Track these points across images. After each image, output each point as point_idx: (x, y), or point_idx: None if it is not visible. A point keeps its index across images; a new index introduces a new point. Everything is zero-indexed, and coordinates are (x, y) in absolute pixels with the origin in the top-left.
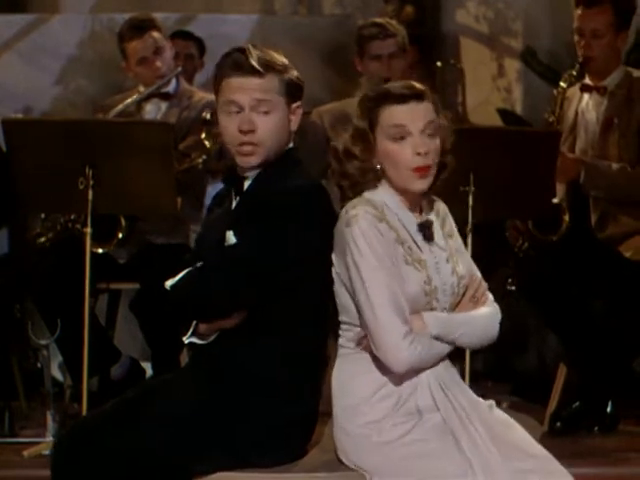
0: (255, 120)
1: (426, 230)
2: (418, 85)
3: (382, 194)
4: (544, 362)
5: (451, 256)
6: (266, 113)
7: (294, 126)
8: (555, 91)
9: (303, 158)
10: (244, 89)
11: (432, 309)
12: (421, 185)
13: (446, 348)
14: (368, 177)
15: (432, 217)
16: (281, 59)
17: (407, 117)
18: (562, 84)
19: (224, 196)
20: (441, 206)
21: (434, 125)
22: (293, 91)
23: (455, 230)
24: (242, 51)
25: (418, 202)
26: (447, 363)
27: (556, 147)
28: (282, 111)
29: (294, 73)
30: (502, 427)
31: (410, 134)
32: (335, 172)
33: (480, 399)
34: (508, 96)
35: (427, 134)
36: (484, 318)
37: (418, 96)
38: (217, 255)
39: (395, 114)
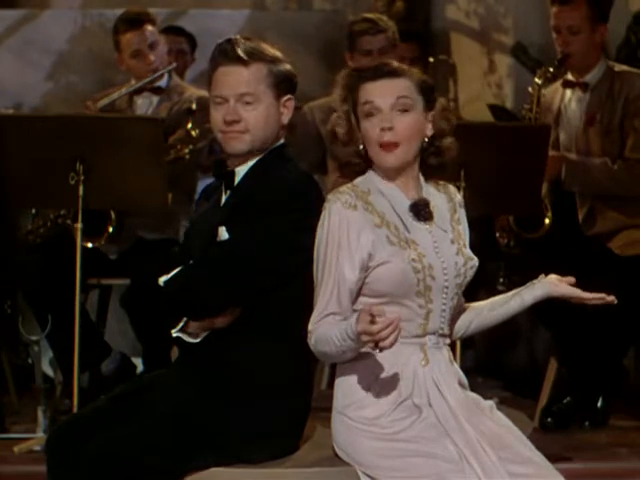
0: (240, 110)
1: (420, 209)
2: (395, 63)
3: (373, 176)
4: (535, 358)
5: (457, 239)
6: (249, 104)
7: (285, 119)
8: (530, 88)
9: (293, 152)
10: (229, 78)
11: (427, 286)
12: (389, 160)
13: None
14: (355, 159)
15: (437, 200)
16: (272, 51)
17: (376, 93)
18: (537, 80)
19: (212, 190)
20: (456, 195)
21: (407, 101)
22: (283, 84)
23: (465, 223)
24: (230, 41)
25: (412, 183)
26: (447, 361)
27: (546, 141)
28: (269, 102)
29: (285, 66)
30: (500, 429)
31: (379, 110)
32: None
33: (480, 399)
34: (499, 92)
35: (398, 110)
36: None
37: (391, 73)
38: (210, 251)
39: (366, 91)
